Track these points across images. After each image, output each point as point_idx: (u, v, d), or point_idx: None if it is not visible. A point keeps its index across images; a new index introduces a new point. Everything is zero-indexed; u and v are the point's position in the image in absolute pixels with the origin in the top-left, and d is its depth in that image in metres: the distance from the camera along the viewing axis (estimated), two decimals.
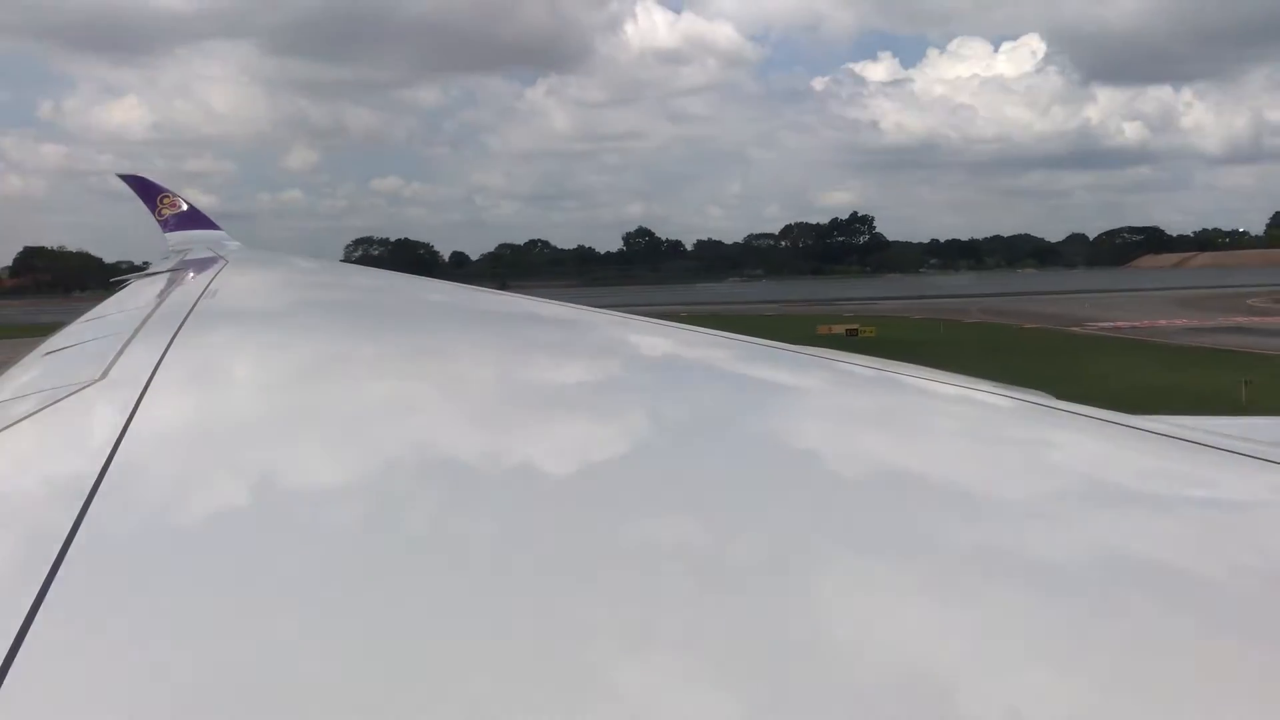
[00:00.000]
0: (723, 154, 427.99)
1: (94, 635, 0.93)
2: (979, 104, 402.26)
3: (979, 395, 2.22)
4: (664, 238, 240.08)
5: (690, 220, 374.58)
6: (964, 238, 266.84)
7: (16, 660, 0.84)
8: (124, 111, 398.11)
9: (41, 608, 0.95)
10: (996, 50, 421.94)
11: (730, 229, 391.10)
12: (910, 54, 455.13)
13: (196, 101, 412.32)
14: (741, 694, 0.81)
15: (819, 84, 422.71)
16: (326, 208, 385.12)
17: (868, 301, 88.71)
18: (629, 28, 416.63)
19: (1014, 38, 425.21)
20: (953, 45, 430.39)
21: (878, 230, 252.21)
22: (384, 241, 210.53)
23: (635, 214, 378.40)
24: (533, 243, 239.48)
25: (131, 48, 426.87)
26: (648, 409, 2.12)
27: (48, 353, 3.43)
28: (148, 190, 18.02)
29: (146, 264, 14.43)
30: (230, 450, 1.68)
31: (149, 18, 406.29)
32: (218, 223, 17.62)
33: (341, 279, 6.32)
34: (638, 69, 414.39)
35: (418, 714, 0.78)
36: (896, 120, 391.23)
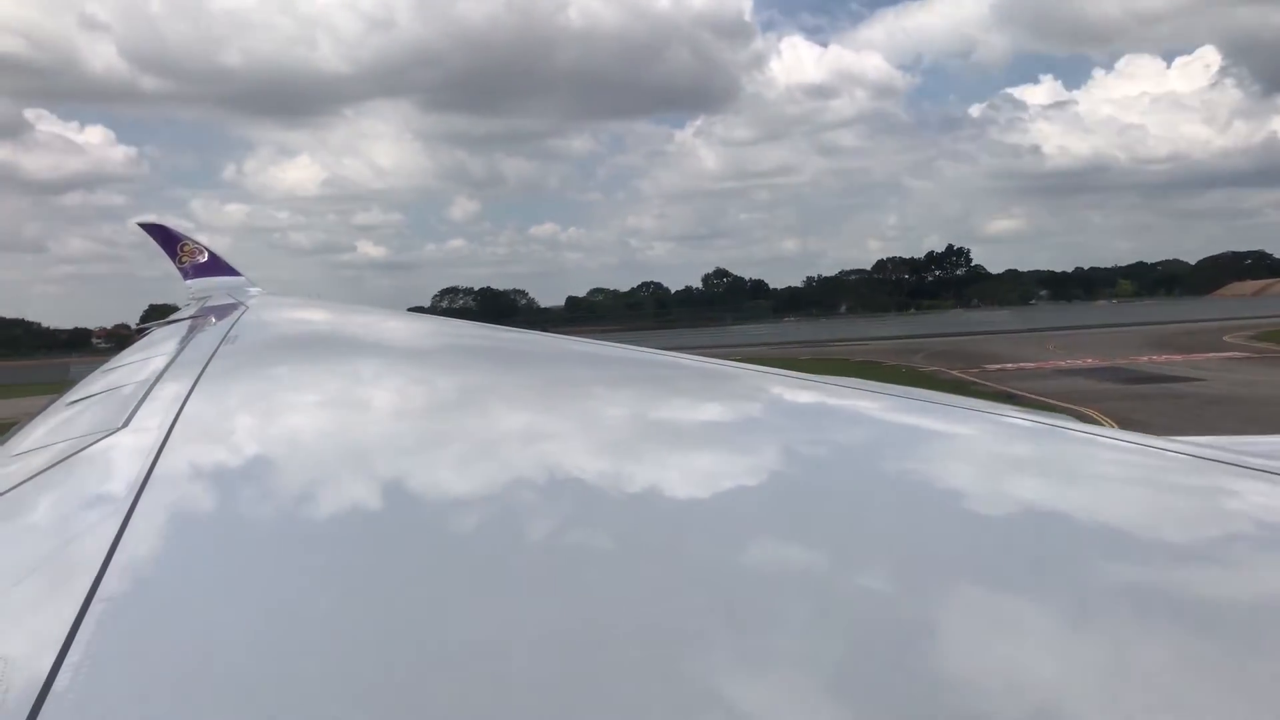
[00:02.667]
0: (877, 186, 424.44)
1: (117, 688, 0.94)
2: (1150, 123, 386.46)
3: (1004, 418, 2.27)
4: (747, 277, 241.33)
5: (847, 254, 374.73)
6: (1144, 261, 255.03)
7: (44, 708, 0.86)
8: (298, 170, 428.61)
9: (65, 661, 0.96)
10: (1169, 66, 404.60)
11: (893, 262, 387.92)
12: (1072, 75, 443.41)
13: (363, 158, 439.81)
14: None
15: (975, 110, 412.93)
16: (488, 255, 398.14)
17: (859, 342, 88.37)
18: (774, 64, 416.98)
19: (1187, 52, 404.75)
20: (1120, 64, 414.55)
21: (977, 262, 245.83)
22: (469, 291, 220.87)
23: (790, 249, 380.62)
24: (644, 285, 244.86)
25: (302, 110, 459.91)
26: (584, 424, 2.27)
27: (71, 402, 3.50)
28: (168, 238, 18.06)
29: None
30: (255, 497, 1.74)
31: (316, 81, 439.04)
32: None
33: (363, 321, 6.33)
34: (785, 104, 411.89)
35: None
36: (1060, 144, 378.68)
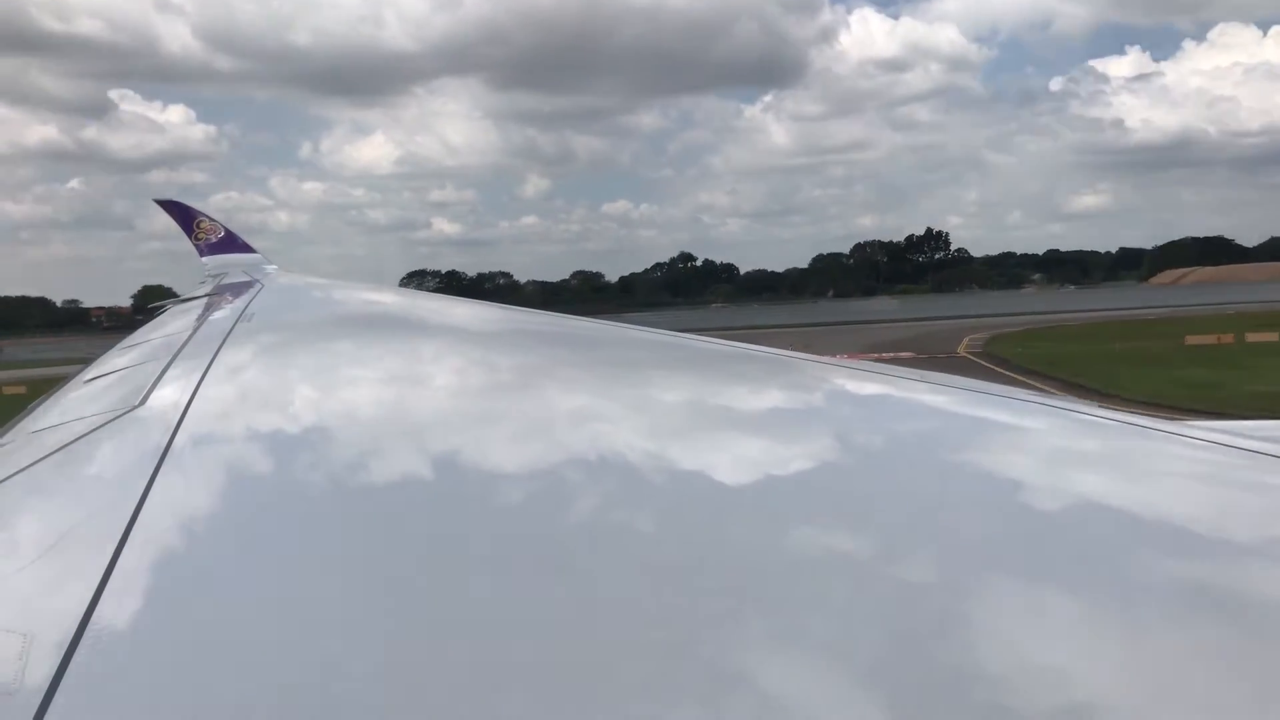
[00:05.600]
0: (955, 161, 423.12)
1: (136, 663, 0.94)
2: (1242, 94, 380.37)
3: (1023, 404, 2.22)
4: (718, 261, 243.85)
5: (923, 230, 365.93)
6: (1234, 239, 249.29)
7: (56, 698, 0.86)
8: (372, 149, 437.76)
9: (84, 636, 0.96)
10: (1264, 35, 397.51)
11: (970, 239, 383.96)
12: (1158, 46, 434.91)
13: (435, 136, 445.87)
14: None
15: (1055, 84, 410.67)
16: (561, 232, 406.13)
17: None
18: (844, 38, 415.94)
19: None
20: (1213, 34, 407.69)
21: (961, 246, 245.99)
22: (435, 274, 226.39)
23: (867, 226, 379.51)
24: (656, 266, 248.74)
25: (374, 89, 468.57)
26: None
27: (87, 380, 3.43)
28: (185, 215, 17.82)
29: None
30: (271, 475, 1.71)
31: (384, 60, 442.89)
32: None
33: (379, 300, 6.33)
34: (857, 78, 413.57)
35: None
36: (1144, 117, 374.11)
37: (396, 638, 0.97)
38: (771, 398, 2.46)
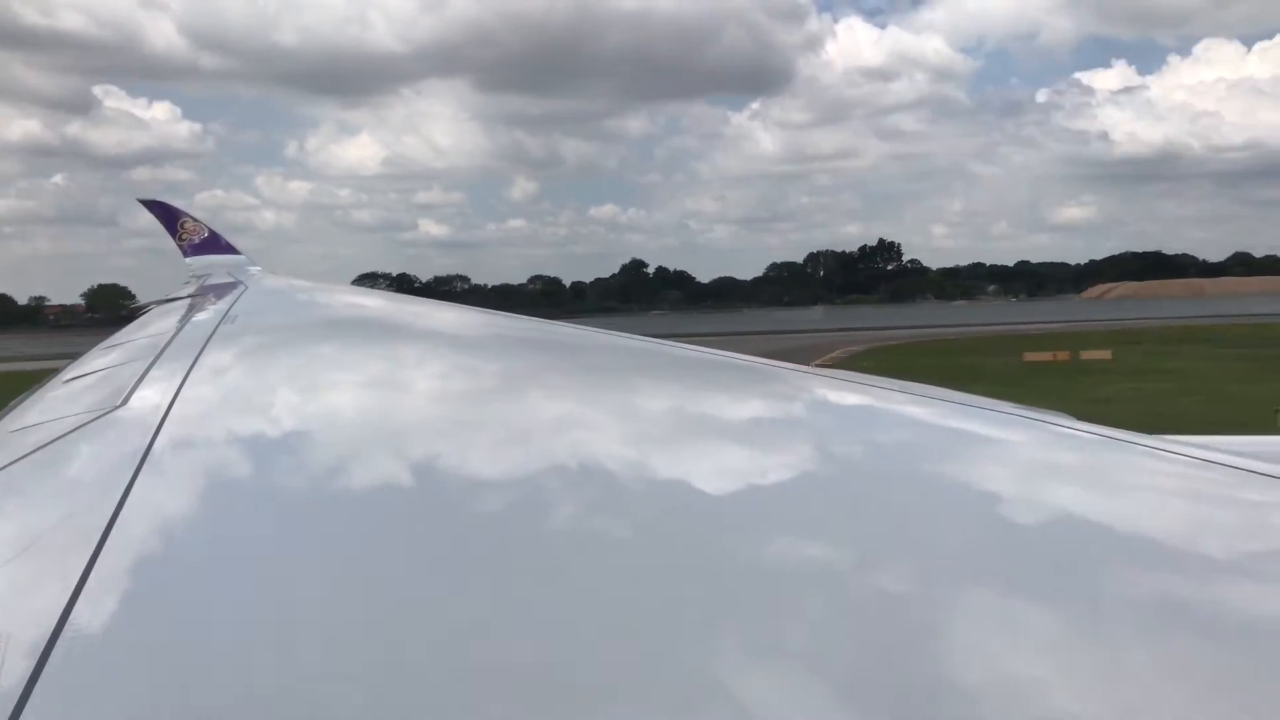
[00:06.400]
0: (941, 171, 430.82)
1: (112, 664, 0.93)
2: (1226, 109, 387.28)
3: (1000, 415, 2.20)
4: (671, 268, 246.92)
5: (911, 238, 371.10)
6: (1210, 254, 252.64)
7: (31, 699, 0.84)
8: (359, 149, 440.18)
9: (60, 637, 0.95)
10: (1249, 50, 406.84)
11: (957, 248, 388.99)
12: (1140, 60, 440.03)
13: (422, 137, 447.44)
14: None
15: (1041, 95, 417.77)
16: (549, 235, 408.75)
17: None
18: (831, 47, 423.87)
19: (1268, 36, 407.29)
20: (1198, 49, 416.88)
21: (914, 258, 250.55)
22: (387, 275, 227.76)
23: (854, 234, 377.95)
24: (624, 270, 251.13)
25: (360, 89, 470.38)
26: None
27: (68, 380, 3.40)
28: (169, 215, 17.76)
29: None
30: (252, 477, 1.69)
31: (371, 60, 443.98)
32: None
33: (362, 302, 6.35)
34: (843, 87, 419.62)
35: None
36: (1128, 130, 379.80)
37: (375, 641, 0.96)
38: (749, 406, 2.48)
